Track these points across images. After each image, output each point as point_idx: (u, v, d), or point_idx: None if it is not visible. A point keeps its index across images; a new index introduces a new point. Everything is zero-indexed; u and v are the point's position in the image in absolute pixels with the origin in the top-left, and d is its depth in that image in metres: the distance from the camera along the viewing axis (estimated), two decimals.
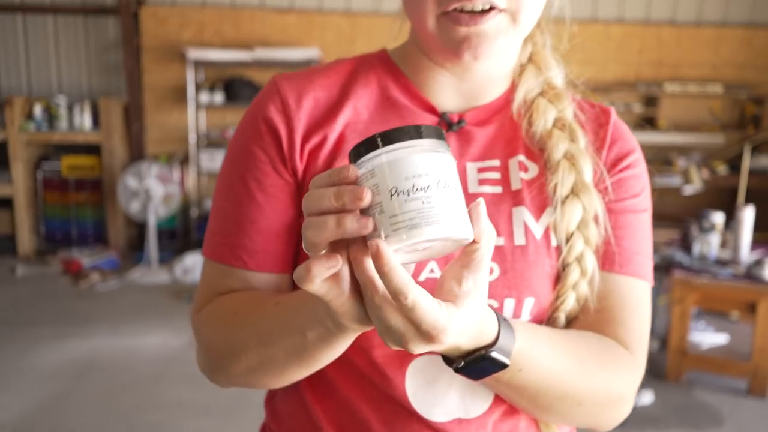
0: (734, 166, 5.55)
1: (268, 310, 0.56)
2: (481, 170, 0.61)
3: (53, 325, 3.52)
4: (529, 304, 0.58)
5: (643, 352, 0.62)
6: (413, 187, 0.40)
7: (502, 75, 0.64)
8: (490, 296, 0.57)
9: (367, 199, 0.40)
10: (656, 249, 3.36)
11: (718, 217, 3.03)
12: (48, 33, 5.51)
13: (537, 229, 0.60)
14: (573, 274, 0.59)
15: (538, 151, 0.62)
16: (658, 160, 5.86)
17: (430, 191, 0.40)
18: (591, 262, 0.60)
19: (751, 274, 2.69)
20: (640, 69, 5.97)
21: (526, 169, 0.62)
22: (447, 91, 0.63)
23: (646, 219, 0.64)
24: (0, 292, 4.15)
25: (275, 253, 0.61)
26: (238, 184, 0.61)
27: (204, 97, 5.27)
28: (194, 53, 5.14)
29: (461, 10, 0.53)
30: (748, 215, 2.76)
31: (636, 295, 0.62)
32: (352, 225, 0.40)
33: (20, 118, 5.00)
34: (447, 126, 0.62)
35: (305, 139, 0.60)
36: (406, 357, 0.57)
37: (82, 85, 5.60)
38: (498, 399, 0.59)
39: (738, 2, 6.04)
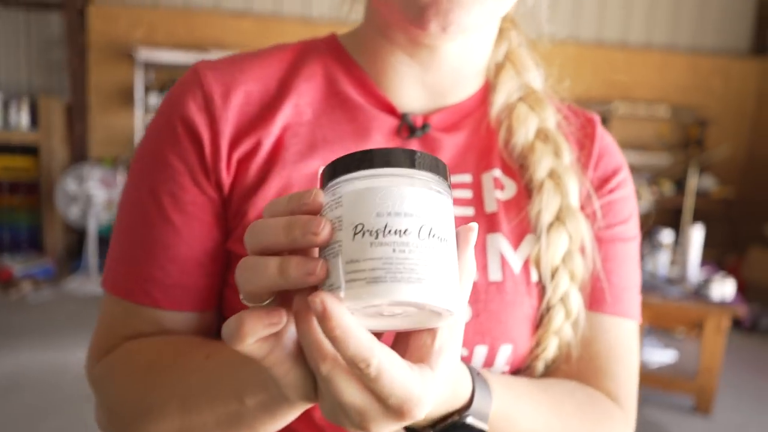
0: (680, 185, 5.74)
1: (195, 366, 0.45)
2: (450, 186, 0.53)
3: None
4: (505, 353, 0.50)
5: (633, 404, 0.56)
6: (385, 227, 0.30)
7: (474, 71, 0.55)
8: (470, 342, 0.49)
9: (324, 233, 0.30)
10: None
11: (668, 236, 3.08)
12: None
13: (515, 261, 0.51)
14: (557, 318, 0.51)
15: (518, 167, 0.54)
16: None
17: (408, 237, 0.30)
18: (576, 302, 0.52)
19: (698, 294, 2.73)
20: (591, 88, 6.11)
21: (502, 187, 0.53)
22: (409, 86, 0.53)
23: (635, 248, 0.57)
24: None
25: (195, 287, 0.49)
26: (148, 201, 0.49)
27: (153, 99, 5.07)
28: (144, 54, 4.95)
29: None
30: (696, 234, 2.80)
31: (625, 338, 0.55)
32: (296, 270, 0.30)
33: None
34: (409, 131, 0.52)
35: (233, 144, 0.49)
36: None
37: (21, 82, 5.30)
38: None
39: (684, 26, 6.28)
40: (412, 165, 0.31)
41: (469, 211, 0.51)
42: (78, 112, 5.06)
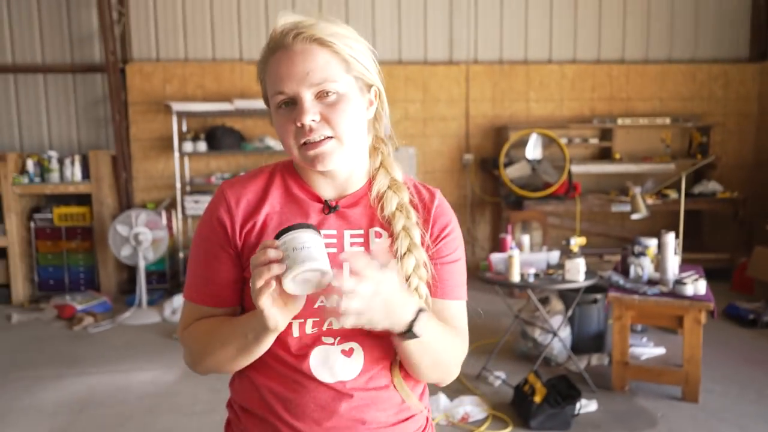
0: (685, 191, 5.97)
1: (225, 326, 0.91)
2: (352, 236, 0.95)
3: (50, 366, 3.77)
4: None
5: (466, 338, 1.00)
6: (302, 246, 0.78)
7: (360, 175, 0.98)
8: None
9: (273, 252, 0.77)
10: (602, 273, 3.71)
11: (651, 242, 3.40)
12: (39, 91, 5.87)
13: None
14: (414, 296, 0.93)
15: (387, 224, 0.96)
16: (614, 188, 6.28)
17: (307, 247, 0.78)
18: (424, 290, 0.94)
19: (675, 292, 3.05)
20: (594, 105, 6.44)
21: (380, 236, 0.95)
22: (325, 186, 0.97)
23: (461, 263, 1.00)
24: None
25: (227, 296, 0.96)
26: (203, 257, 0.96)
27: (188, 146, 5.61)
28: (178, 106, 5.51)
29: (307, 142, 0.89)
30: (670, 240, 3.12)
31: (455, 308, 0.99)
32: (269, 271, 0.77)
33: (13, 173, 5.30)
34: (328, 209, 0.96)
35: (242, 227, 0.94)
36: (309, 347, 0.91)
37: (72, 139, 5.93)
38: (364, 369, 0.92)
39: (681, 41, 6.56)
40: (305, 228, 0.79)
41: (362, 249, 0.94)
42: (122, 163, 5.64)
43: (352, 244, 0.94)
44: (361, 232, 0.95)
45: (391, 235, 0.94)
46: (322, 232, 0.91)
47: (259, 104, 5.54)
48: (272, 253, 0.78)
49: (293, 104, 0.89)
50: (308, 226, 0.80)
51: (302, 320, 0.90)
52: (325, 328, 0.91)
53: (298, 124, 0.88)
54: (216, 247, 0.94)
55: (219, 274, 0.94)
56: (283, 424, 0.92)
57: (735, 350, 3.91)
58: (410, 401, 0.97)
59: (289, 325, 0.89)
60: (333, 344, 0.91)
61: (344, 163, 0.93)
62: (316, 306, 0.91)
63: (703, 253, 6.00)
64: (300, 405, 0.91)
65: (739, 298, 4.95)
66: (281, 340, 0.90)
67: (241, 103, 5.53)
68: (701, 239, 6.37)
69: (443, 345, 0.93)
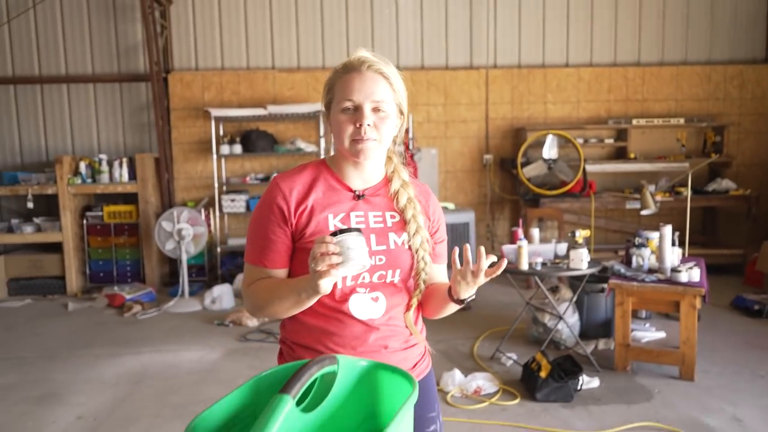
0: (696, 190, 6.18)
1: (282, 285, 1.23)
2: (374, 216, 1.29)
3: (107, 346, 4.22)
4: (398, 273, 1.28)
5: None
6: (354, 246, 1.05)
7: (380, 172, 1.34)
8: (385, 269, 1.26)
9: (333, 247, 1.04)
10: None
11: (653, 235, 3.67)
12: (89, 99, 6.38)
13: (399, 241, 1.29)
14: (421, 264, 1.30)
15: (400, 211, 1.32)
16: (630, 186, 6.51)
17: (356, 248, 1.05)
18: (428, 258, 1.31)
19: (671, 279, 3.32)
20: (610, 106, 6.68)
21: (394, 216, 1.31)
22: (354, 178, 1.32)
23: (446, 242, 1.40)
24: (57, 323, 4.86)
25: (281, 260, 1.29)
26: (264, 232, 1.29)
27: (224, 148, 6.05)
28: (215, 111, 5.94)
29: (358, 139, 1.24)
30: (667, 232, 3.40)
31: (444, 269, 1.38)
32: (330, 261, 1.06)
33: (67, 175, 5.80)
34: (357, 198, 1.30)
35: (296, 210, 1.27)
36: (348, 295, 1.25)
37: (119, 143, 6.43)
38: (386, 311, 1.27)
39: (696, 43, 6.76)
40: (355, 231, 1.08)
41: (381, 225, 1.29)
42: (165, 165, 6.10)
43: (374, 221, 1.29)
44: (380, 214, 1.31)
45: (402, 218, 1.31)
46: (353, 214, 1.27)
47: (291, 109, 5.95)
48: (333, 248, 1.05)
49: (355, 111, 1.24)
50: (357, 230, 1.08)
51: (344, 276, 1.25)
52: (359, 282, 1.26)
53: (357, 125, 1.23)
54: (275, 225, 1.28)
55: (277, 245, 1.28)
56: (327, 350, 1.26)
57: (737, 337, 4.14)
58: (415, 334, 1.34)
59: (336, 282, 1.23)
60: (365, 293, 1.26)
61: (376, 159, 1.30)
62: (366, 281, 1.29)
63: (718, 249, 6.20)
64: (341, 336, 1.26)
65: (750, 291, 5.15)
66: (330, 291, 1.23)
67: (274, 109, 5.94)
68: (716, 235, 6.55)
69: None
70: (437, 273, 1.39)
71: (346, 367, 0.97)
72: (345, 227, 1.13)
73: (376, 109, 1.24)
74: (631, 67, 6.66)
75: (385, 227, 1.28)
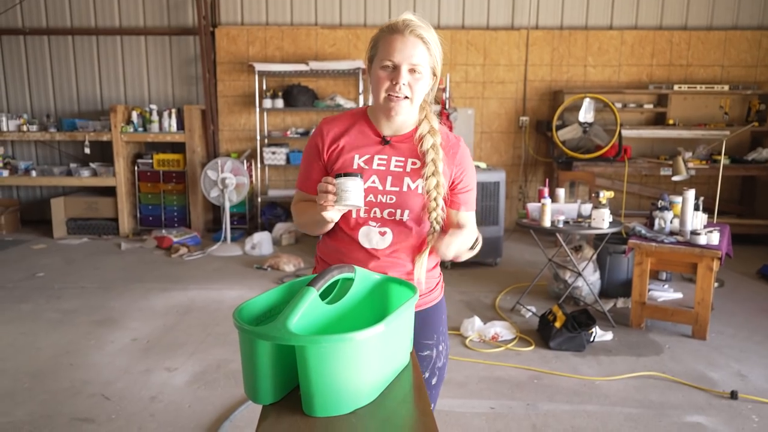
0: (735, 159, 6.11)
1: (309, 210, 1.44)
2: (396, 160, 1.46)
3: (156, 281, 4.60)
4: (407, 213, 1.45)
5: (476, 230, 1.53)
6: (349, 189, 1.23)
7: (410, 123, 1.50)
8: (395, 207, 1.45)
9: (331, 186, 1.25)
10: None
11: (677, 199, 3.75)
12: (141, 51, 6.67)
13: (413, 185, 1.45)
14: (432, 204, 1.45)
15: (422, 156, 1.47)
16: (666, 153, 6.47)
17: (351, 190, 1.23)
18: (441, 202, 1.46)
19: (690, 241, 3.42)
20: (652, 71, 6.59)
21: (415, 163, 1.47)
22: (386, 127, 1.49)
23: (473, 191, 1.54)
24: (112, 260, 5.28)
25: (316, 188, 1.48)
26: (306, 163, 1.52)
27: (267, 102, 6.28)
28: (259, 66, 6.16)
29: (392, 96, 1.40)
30: (690, 196, 3.48)
31: (468, 217, 1.53)
32: (327, 198, 1.26)
33: (121, 123, 6.16)
34: (385, 142, 1.48)
35: (329, 148, 1.48)
36: (360, 225, 1.45)
37: (168, 95, 6.74)
38: (390, 245, 1.47)
39: (748, 7, 6.55)
40: (353, 176, 1.26)
41: (401, 169, 1.46)
42: (210, 116, 6.39)
43: (395, 165, 1.46)
44: (403, 159, 1.47)
45: (423, 163, 1.47)
46: (377, 156, 1.45)
47: (331, 65, 6.11)
48: (331, 188, 1.25)
49: (394, 70, 1.39)
50: (356, 175, 1.25)
51: (360, 208, 1.44)
52: (371, 215, 1.45)
53: (393, 83, 1.40)
54: (313, 158, 1.51)
55: (312, 175, 1.50)
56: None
57: (757, 304, 4.22)
58: (417, 274, 1.51)
59: (351, 212, 1.44)
60: (375, 227, 1.46)
61: (405, 116, 1.46)
62: (367, 200, 1.46)
63: (756, 219, 6.16)
64: (348, 258, 1.48)
65: None
66: (346, 219, 1.46)
67: (315, 65, 6.11)
68: (753, 206, 6.49)
69: (468, 240, 1.48)
70: (462, 218, 1.51)
71: (362, 276, 1.19)
72: (350, 172, 1.30)
73: (412, 71, 1.38)
74: (677, 31, 6.54)
75: (404, 171, 1.45)
